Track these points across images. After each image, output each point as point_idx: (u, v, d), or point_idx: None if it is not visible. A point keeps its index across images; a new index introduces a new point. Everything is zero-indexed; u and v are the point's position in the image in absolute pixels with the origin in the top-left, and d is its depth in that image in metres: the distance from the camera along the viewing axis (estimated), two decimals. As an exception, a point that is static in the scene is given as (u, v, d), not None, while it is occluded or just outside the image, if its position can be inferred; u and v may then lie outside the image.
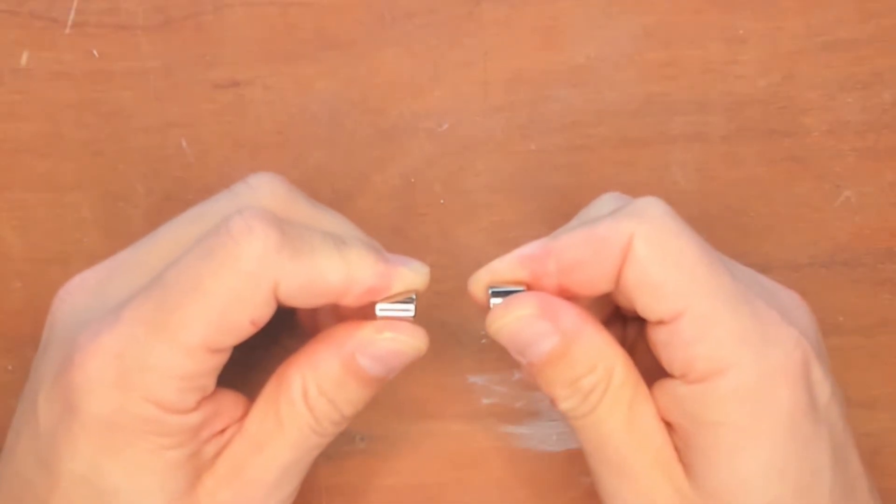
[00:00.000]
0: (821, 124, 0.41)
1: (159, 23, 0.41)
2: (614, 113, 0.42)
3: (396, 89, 0.42)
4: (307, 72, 0.41)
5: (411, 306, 0.33)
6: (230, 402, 0.34)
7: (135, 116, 0.41)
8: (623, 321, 0.38)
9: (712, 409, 0.32)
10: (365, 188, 0.41)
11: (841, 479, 0.33)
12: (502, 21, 0.41)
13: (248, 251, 0.31)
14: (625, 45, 0.41)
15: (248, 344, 0.32)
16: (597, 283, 0.33)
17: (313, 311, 0.38)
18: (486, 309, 0.34)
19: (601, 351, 0.33)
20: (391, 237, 0.41)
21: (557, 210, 0.41)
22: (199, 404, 0.32)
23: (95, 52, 0.41)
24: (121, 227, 0.41)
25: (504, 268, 0.34)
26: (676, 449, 0.33)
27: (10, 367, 0.41)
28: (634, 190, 0.41)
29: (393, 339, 0.33)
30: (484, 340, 0.41)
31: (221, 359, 0.32)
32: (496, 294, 0.34)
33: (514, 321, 0.33)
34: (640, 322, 0.35)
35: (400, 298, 0.33)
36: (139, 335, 0.31)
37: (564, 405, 0.33)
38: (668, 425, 0.33)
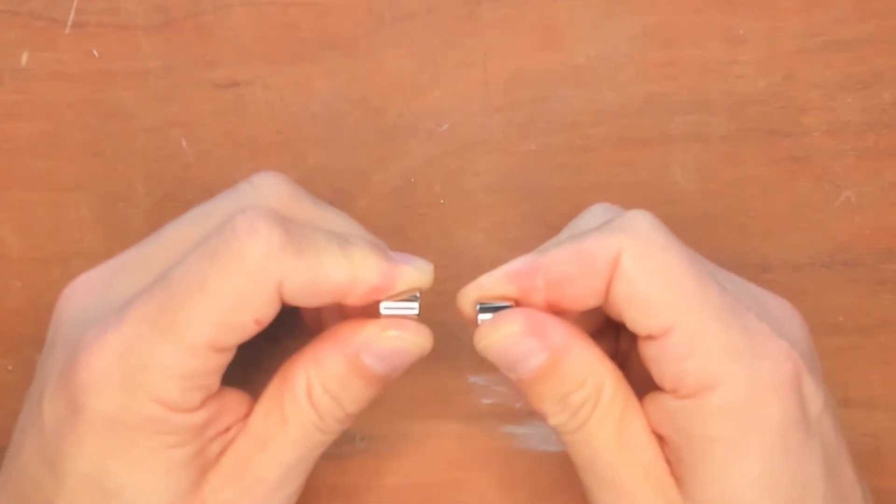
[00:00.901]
0: (821, 124, 0.41)
1: (159, 23, 0.41)
2: (614, 113, 0.42)
3: (396, 89, 0.42)
4: (307, 72, 0.41)
5: (415, 304, 0.33)
6: (234, 400, 0.34)
7: (135, 116, 0.41)
8: (616, 331, 0.38)
9: (703, 425, 0.32)
10: (365, 188, 0.41)
11: (833, 490, 0.33)
12: (502, 21, 0.41)
13: (253, 250, 0.31)
14: (625, 45, 0.41)
15: (249, 343, 0.32)
16: (585, 298, 0.33)
17: (317, 310, 0.38)
18: (475, 324, 0.34)
19: (590, 366, 0.33)
20: (391, 237, 0.41)
21: (557, 210, 0.41)
22: (203, 403, 0.32)
23: (95, 52, 0.41)
24: (121, 227, 0.41)
25: (492, 283, 0.33)
26: (668, 462, 0.33)
27: (10, 367, 0.41)
28: (634, 190, 0.41)
29: (397, 337, 0.33)
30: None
31: (226, 358, 0.32)
32: (484, 310, 0.33)
33: (501, 338, 0.33)
34: (632, 332, 0.35)
35: (404, 297, 0.33)
36: (144, 334, 0.31)
37: (554, 420, 0.33)
38: (660, 438, 0.33)
